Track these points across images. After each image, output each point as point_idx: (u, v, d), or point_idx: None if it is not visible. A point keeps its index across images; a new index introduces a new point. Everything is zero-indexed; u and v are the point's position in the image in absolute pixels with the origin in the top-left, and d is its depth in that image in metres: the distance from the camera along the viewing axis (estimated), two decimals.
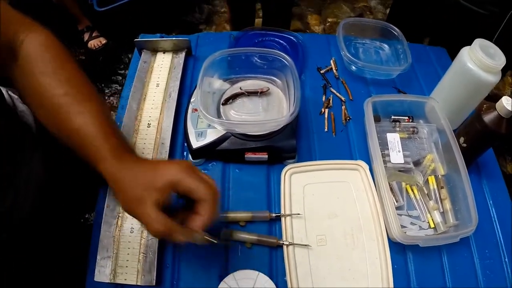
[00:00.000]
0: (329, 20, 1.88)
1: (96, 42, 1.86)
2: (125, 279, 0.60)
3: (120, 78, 1.89)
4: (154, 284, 0.59)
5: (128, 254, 0.63)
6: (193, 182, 0.43)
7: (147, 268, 0.61)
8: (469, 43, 0.74)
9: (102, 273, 0.61)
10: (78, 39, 1.91)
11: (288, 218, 0.64)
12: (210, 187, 0.44)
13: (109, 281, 0.60)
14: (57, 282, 0.86)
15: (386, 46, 0.87)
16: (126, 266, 0.62)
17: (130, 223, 0.65)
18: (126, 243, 0.63)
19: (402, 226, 0.64)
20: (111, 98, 1.84)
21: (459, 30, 0.95)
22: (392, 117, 0.74)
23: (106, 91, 1.86)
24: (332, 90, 0.80)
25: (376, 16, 2.01)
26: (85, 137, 0.45)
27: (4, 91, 0.67)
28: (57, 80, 0.47)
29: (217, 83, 0.72)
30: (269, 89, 0.71)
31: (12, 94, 0.74)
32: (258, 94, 0.70)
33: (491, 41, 0.86)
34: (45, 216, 0.76)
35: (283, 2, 1.33)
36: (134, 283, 0.60)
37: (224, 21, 2.01)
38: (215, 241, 0.48)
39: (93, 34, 1.86)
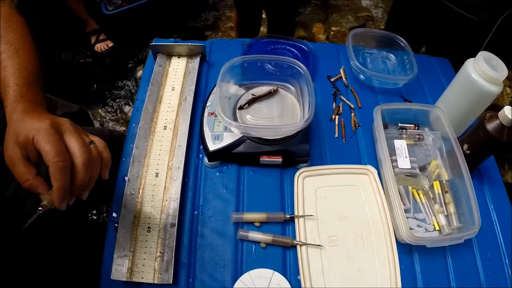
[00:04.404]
0: (333, 29, 1.92)
1: (103, 45, 1.86)
2: (142, 278, 0.62)
3: (127, 81, 1.90)
4: (171, 282, 0.61)
5: (145, 253, 0.64)
6: (44, 144, 0.44)
7: (164, 267, 0.62)
8: (464, 51, 0.78)
9: (119, 271, 0.62)
10: (86, 41, 1.92)
11: (301, 219, 0.66)
12: (56, 151, 0.43)
13: (126, 280, 0.61)
14: (69, 278, 0.87)
15: (392, 56, 0.91)
16: (143, 265, 0.63)
17: (147, 222, 0.66)
18: (143, 242, 0.65)
19: (409, 228, 0.67)
20: (118, 100, 1.84)
21: (454, 37, 0.99)
22: (399, 124, 0.77)
23: (116, 92, 1.87)
24: (342, 97, 0.83)
25: (379, 26, 2.07)
26: (4, 87, 0.52)
27: None
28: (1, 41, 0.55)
29: (233, 89, 0.75)
30: (278, 87, 0.74)
31: None
32: (272, 91, 0.73)
33: (481, 47, 0.91)
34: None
35: (288, 10, 1.37)
36: (151, 281, 0.61)
37: (230, 28, 2.04)
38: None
39: (100, 37, 1.87)
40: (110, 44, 1.88)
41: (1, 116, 0.55)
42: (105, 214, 1.37)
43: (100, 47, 1.86)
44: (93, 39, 1.88)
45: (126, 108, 1.81)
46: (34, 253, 0.75)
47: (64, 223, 0.83)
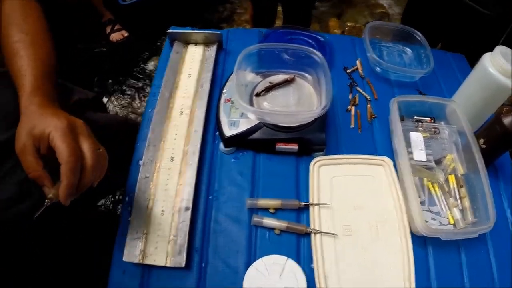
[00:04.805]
0: (348, 24, 1.92)
1: (118, 35, 1.88)
2: (154, 260, 0.61)
3: (141, 71, 1.90)
4: (183, 266, 0.60)
5: (158, 235, 0.64)
6: (60, 143, 0.45)
7: (177, 250, 0.62)
8: (481, 47, 0.78)
9: (132, 253, 0.61)
10: (101, 31, 1.93)
11: (316, 207, 0.66)
12: (71, 152, 0.45)
13: (138, 262, 0.61)
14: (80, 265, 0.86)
15: (409, 50, 0.91)
16: (156, 248, 0.63)
17: (161, 206, 0.66)
18: (156, 225, 0.65)
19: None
20: (131, 90, 1.84)
21: (470, 33, 0.98)
22: (415, 117, 0.77)
23: (129, 82, 1.87)
24: (358, 89, 0.83)
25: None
26: (20, 76, 0.53)
27: None
28: (16, 30, 0.56)
29: (250, 76, 0.75)
30: (294, 76, 0.74)
31: None
32: (288, 79, 0.73)
33: (498, 43, 0.90)
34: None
35: (303, 4, 1.37)
36: (163, 264, 0.61)
37: (245, 21, 2.05)
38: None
39: (115, 27, 1.89)
40: (125, 34, 1.89)
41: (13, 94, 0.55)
42: (118, 198, 1.38)
43: (115, 37, 1.88)
44: (108, 29, 1.90)
45: (139, 99, 1.81)
46: (39, 245, 0.74)
47: (71, 213, 0.82)
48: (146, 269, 0.62)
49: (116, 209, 1.38)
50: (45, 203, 0.47)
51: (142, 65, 1.92)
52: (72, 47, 1.90)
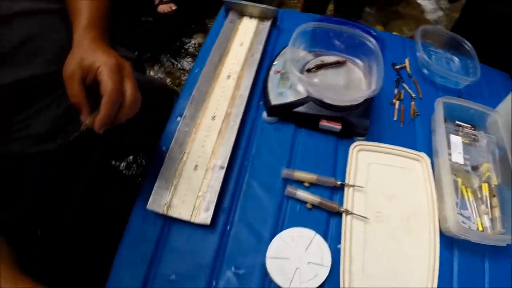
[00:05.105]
0: (394, 33, 1.93)
1: (166, 7, 1.88)
2: (179, 213, 0.60)
3: (184, 46, 1.91)
4: (208, 223, 0.59)
5: (187, 189, 0.63)
6: (106, 78, 0.48)
7: (205, 206, 0.61)
8: None
9: (157, 202, 0.60)
10: (151, 2, 1.94)
11: (351, 189, 0.66)
12: (115, 88, 0.48)
13: (162, 212, 0.60)
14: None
15: (456, 59, 0.91)
16: (183, 201, 0.62)
17: (195, 161, 0.66)
18: (187, 179, 0.64)
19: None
20: (172, 62, 1.84)
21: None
22: (456, 122, 0.77)
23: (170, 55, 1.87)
24: (405, 85, 0.84)
25: None
26: (78, 12, 0.56)
27: None
28: None
29: (302, 53, 0.75)
30: (346, 60, 0.75)
31: None
32: (340, 61, 0.74)
33: None
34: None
35: (356, 2, 1.39)
36: (187, 219, 0.60)
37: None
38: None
39: None
40: (173, 7, 1.89)
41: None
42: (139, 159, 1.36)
43: (163, 8, 1.88)
44: (157, 0, 1.90)
45: (178, 72, 1.81)
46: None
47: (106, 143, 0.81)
48: (168, 222, 0.62)
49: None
50: (82, 128, 0.50)
51: (185, 41, 1.92)
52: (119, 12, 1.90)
